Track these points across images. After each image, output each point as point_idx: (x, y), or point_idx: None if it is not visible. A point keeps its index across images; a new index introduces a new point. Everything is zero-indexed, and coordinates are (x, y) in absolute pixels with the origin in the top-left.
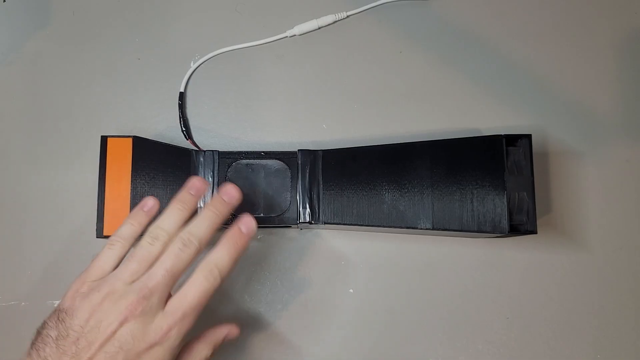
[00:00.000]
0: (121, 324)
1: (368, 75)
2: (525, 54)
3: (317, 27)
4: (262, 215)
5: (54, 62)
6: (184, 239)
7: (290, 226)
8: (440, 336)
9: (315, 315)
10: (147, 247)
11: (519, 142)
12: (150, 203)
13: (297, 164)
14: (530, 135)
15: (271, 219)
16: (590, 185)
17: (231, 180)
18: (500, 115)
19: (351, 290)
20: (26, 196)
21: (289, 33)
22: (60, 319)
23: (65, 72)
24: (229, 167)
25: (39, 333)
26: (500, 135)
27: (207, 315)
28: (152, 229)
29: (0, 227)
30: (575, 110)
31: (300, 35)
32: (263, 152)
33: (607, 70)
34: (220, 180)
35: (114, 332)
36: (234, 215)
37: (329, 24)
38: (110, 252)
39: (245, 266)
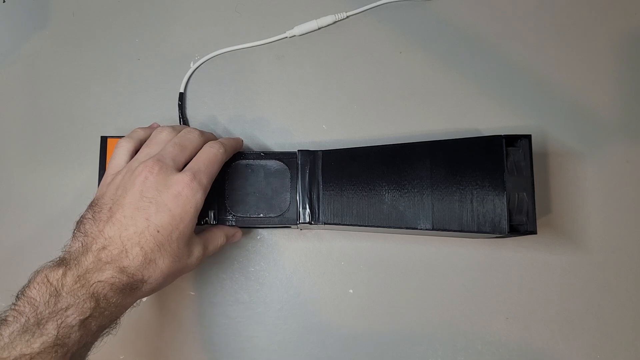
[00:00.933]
0: (144, 182)
1: (368, 75)
2: (525, 55)
3: (316, 27)
4: (261, 215)
5: (53, 63)
6: (190, 129)
7: (290, 226)
8: (440, 336)
9: (315, 315)
10: (157, 134)
11: (519, 142)
12: (155, 125)
13: (297, 164)
14: (530, 135)
15: (271, 219)
16: (590, 186)
17: (231, 181)
18: (500, 116)
19: (351, 291)
20: (26, 196)
21: (288, 34)
22: (93, 205)
23: (65, 72)
24: (228, 167)
25: (77, 223)
26: (500, 135)
27: (207, 314)
28: (158, 128)
29: (0, 227)
30: (575, 111)
31: (300, 35)
32: (263, 152)
33: (607, 71)
34: (220, 180)
35: (140, 190)
36: (233, 214)
37: (328, 25)
38: (119, 150)
39: (244, 266)
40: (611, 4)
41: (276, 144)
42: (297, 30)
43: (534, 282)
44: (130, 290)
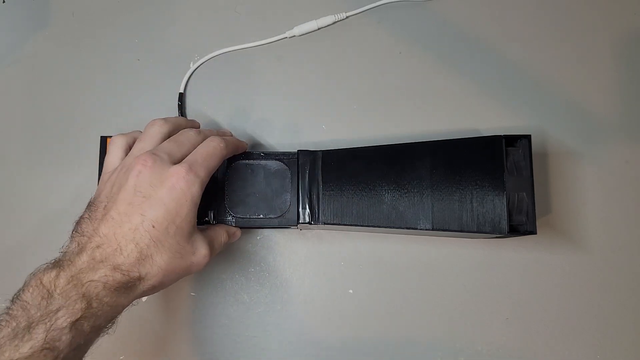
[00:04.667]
0: (137, 176)
1: (368, 75)
2: (525, 55)
3: (316, 27)
4: (261, 216)
5: (53, 63)
6: (185, 130)
7: (289, 227)
8: (440, 336)
9: (315, 315)
10: (149, 127)
11: (519, 142)
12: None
13: (297, 164)
14: (530, 135)
15: (271, 220)
16: (590, 186)
17: (231, 181)
18: (500, 116)
19: (351, 291)
20: (26, 196)
21: (288, 34)
22: (90, 204)
23: (65, 72)
24: (228, 167)
25: (75, 224)
26: (500, 135)
27: (208, 314)
28: (151, 121)
29: (0, 227)
30: (575, 111)
31: (300, 36)
32: (263, 152)
33: (607, 71)
34: (220, 180)
35: (134, 185)
36: (233, 215)
37: (328, 25)
38: (113, 146)
39: (245, 267)
40: (611, 4)
41: (276, 144)
42: (297, 30)
43: (534, 282)
44: (125, 289)
